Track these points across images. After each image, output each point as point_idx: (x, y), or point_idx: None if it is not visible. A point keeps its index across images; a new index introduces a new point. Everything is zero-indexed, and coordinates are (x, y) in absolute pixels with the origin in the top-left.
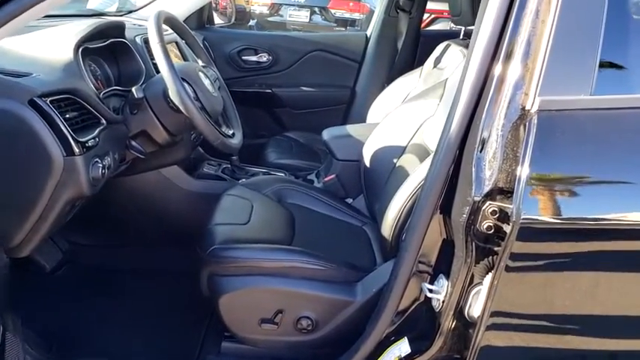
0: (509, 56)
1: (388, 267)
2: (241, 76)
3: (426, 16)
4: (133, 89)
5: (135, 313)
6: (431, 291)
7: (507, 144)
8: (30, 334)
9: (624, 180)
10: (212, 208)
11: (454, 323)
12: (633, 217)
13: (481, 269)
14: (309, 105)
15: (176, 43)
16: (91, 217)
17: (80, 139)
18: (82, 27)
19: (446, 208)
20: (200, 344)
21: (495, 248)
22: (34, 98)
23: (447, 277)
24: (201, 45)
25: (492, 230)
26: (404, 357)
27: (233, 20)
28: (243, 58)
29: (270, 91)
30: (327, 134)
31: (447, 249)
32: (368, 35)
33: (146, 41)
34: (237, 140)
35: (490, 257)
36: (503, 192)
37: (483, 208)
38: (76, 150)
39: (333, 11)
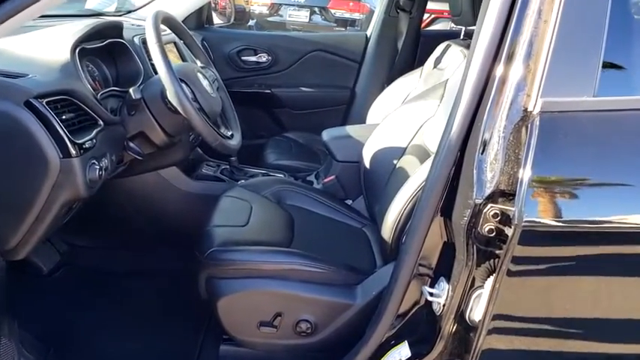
0: (511, 57)
1: (388, 270)
2: (241, 77)
3: (426, 16)
4: (131, 90)
5: (133, 316)
6: (431, 294)
7: (509, 146)
8: (27, 337)
9: (628, 183)
10: (211, 210)
11: (455, 327)
12: (637, 221)
13: (482, 272)
14: (308, 105)
15: (174, 43)
16: (89, 218)
17: (77, 141)
18: (79, 27)
19: (447, 210)
20: (198, 347)
21: (497, 251)
22: (30, 99)
23: (448, 280)
24: (200, 45)
25: (494, 233)
26: None
27: (232, 20)
28: (243, 58)
29: (269, 91)
30: (326, 135)
31: (448, 252)
32: (368, 35)
33: (144, 42)
34: (235, 141)
35: (491, 260)
36: (505, 194)
37: (485, 210)
38: (73, 152)
39: (332, 11)
